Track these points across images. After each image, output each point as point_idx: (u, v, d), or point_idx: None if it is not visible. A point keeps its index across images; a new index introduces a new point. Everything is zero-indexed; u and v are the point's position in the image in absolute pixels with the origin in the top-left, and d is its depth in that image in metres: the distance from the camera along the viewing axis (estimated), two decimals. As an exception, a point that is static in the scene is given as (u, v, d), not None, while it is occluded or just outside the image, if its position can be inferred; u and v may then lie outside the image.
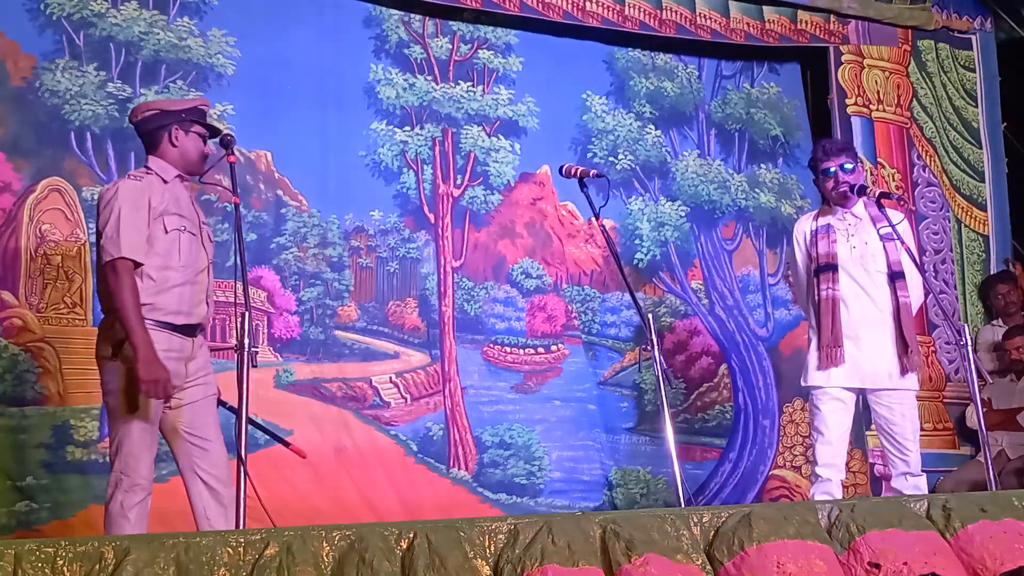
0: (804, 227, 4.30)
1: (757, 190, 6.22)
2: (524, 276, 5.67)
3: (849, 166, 4.14)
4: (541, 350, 5.64)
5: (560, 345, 5.68)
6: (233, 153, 3.55)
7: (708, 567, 2.34)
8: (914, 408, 4.15)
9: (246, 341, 3.13)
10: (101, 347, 3.44)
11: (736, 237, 6.14)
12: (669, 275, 5.93)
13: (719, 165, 6.17)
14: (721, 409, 5.90)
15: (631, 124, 6.01)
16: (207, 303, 3.56)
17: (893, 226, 4.07)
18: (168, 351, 3.38)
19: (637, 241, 5.87)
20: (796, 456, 5.96)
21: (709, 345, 5.93)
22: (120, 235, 3.33)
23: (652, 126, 6.05)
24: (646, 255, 5.90)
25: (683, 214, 6.03)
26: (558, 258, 5.76)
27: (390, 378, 5.31)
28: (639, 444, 5.73)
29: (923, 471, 4.15)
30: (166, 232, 3.42)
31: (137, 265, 3.35)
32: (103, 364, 3.43)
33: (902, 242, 4.05)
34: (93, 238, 4.75)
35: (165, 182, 3.49)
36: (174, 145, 3.53)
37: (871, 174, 6.12)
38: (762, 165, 6.28)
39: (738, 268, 6.09)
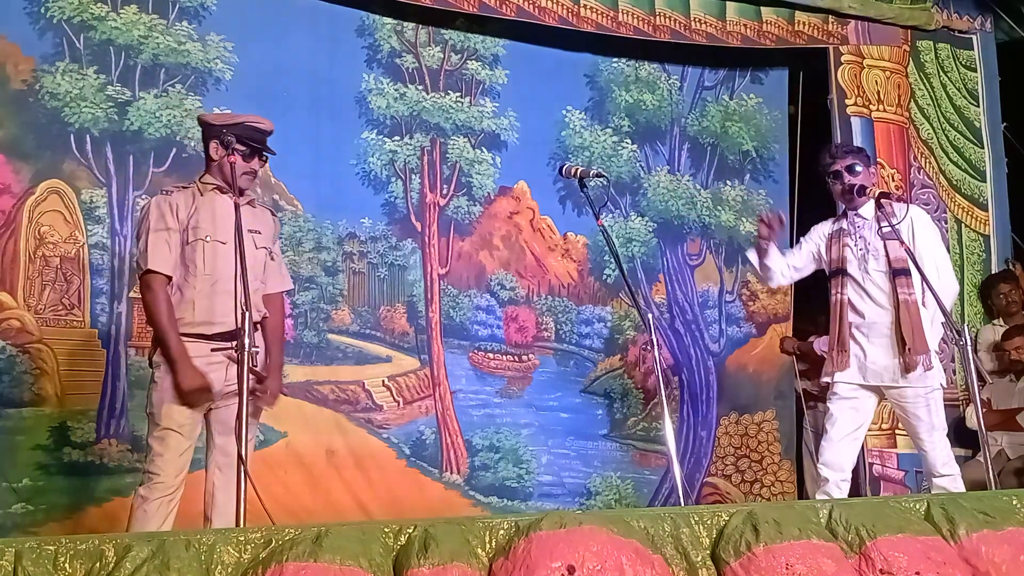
0: (822, 230, 4.35)
1: (719, 208, 6.25)
2: (500, 287, 5.74)
3: (858, 168, 4.17)
4: (517, 358, 5.72)
5: (531, 355, 5.75)
6: (233, 154, 3.55)
7: (711, 566, 2.33)
8: (929, 407, 4.11)
9: (247, 341, 3.12)
10: (151, 353, 3.55)
11: (701, 253, 6.22)
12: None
13: (688, 180, 6.20)
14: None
15: (606, 140, 6.03)
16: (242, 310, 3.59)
17: (893, 226, 4.07)
18: (208, 361, 3.45)
19: (607, 257, 5.86)
20: (727, 466, 6.10)
21: (664, 359, 5.99)
22: (148, 249, 3.46)
23: (629, 140, 6.08)
24: (614, 271, 5.89)
25: (651, 229, 6.08)
26: (531, 271, 5.83)
27: (383, 381, 5.35)
28: (610, 450, 5.83)
29: (944, 474, 4.06)
30: (188, 243, 3.49)
31: (168, 278, 3.46)
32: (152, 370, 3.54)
33: (901, 242, 4.06)
34: (92, 240, 4.77)
35: (201, 194, 3.57)
36: (212, 159, 3.62)
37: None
38: (727, 182, 6.29)
39: (700, 284, 6.17)
